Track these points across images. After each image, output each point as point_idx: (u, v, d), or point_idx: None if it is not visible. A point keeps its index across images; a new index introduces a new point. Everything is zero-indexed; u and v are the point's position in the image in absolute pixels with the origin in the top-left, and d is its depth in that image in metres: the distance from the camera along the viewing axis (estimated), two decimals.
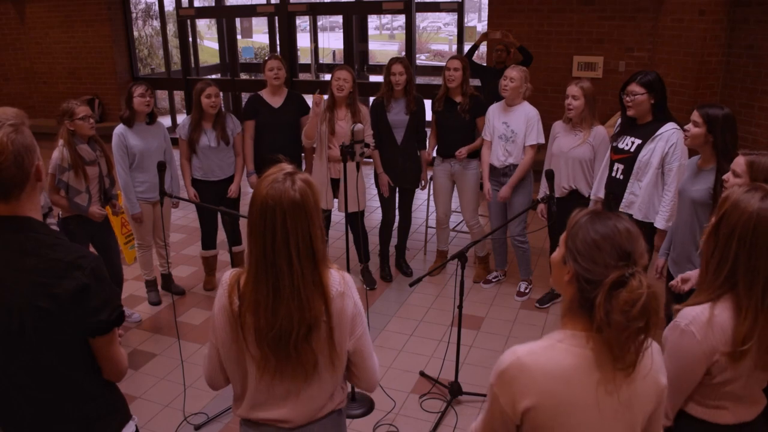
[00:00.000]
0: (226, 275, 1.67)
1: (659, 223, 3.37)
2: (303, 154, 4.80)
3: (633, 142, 3.44)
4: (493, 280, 4.75)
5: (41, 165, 1.57)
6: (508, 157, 4.27)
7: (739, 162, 2.34)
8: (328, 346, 1.63)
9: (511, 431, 1.37)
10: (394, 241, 5.00)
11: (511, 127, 4.23)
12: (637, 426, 1.38)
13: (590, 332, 1.31)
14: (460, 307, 3.15)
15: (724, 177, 2.47)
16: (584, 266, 1.31)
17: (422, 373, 3.61)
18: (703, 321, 1.63)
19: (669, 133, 3.31)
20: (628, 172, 3.46)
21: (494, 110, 4.34)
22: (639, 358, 1.30)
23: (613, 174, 3.57)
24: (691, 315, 1.66)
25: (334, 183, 4.50)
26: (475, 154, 4.56)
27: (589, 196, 3.89)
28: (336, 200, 4.56)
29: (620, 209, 3.49)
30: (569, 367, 1.32)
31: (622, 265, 1.28)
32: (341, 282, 1.65)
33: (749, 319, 1.60)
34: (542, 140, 4.22)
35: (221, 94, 4.41)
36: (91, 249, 3.79)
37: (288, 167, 1.62)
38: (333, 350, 1.64)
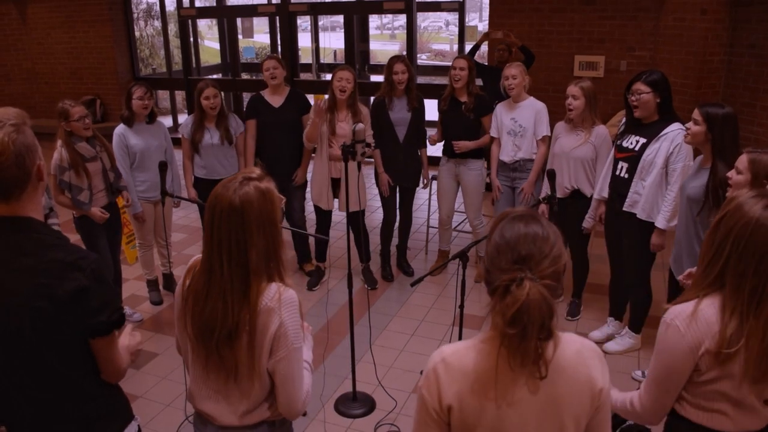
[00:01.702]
0: (192, 260, 1.73)
1: (660, 223, 3.36)
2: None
3: (638, 141, 3.43)
4: None
5: (43, 165, 1.56)
6: (518, 152, 4.29)
7: (742, 159, 2.37)
8: (248, 358, 1.62)
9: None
10: (395, 240, 5.00)
11: (519, 122, 4.25)
12: (567, 428, 1.35)
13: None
14: (462, 306, 3.13)
15: (728, 174, 2.47)
16: (486, 268, 1.34)
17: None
18: (687, 314, 1.64)
19: (674, 133, 3.29)
20: (632, 171, 3.45)
21: (501, 108, 4.37)
22: (540, 361, 1.28)
23: (618, 173, 3.56)
24: (677, 310, 1.67)
25: (335, 182, 4.50)
26: (479, 154, 4.56)
27: (592, 195, 3.88)
28: (336, 200, 4.57)
29: (624, 208, 3.49)
30: (489, 368, 1.31)
31: (516, 269, 1.27)
32: (274, 298, 1.61)
33: (735, 319, 1.59)
34: (549, 132, 4.23)
35: (221, 94, 4.40)
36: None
37: (255, 173, 1.63)
38: (252, 364, 1.63)
